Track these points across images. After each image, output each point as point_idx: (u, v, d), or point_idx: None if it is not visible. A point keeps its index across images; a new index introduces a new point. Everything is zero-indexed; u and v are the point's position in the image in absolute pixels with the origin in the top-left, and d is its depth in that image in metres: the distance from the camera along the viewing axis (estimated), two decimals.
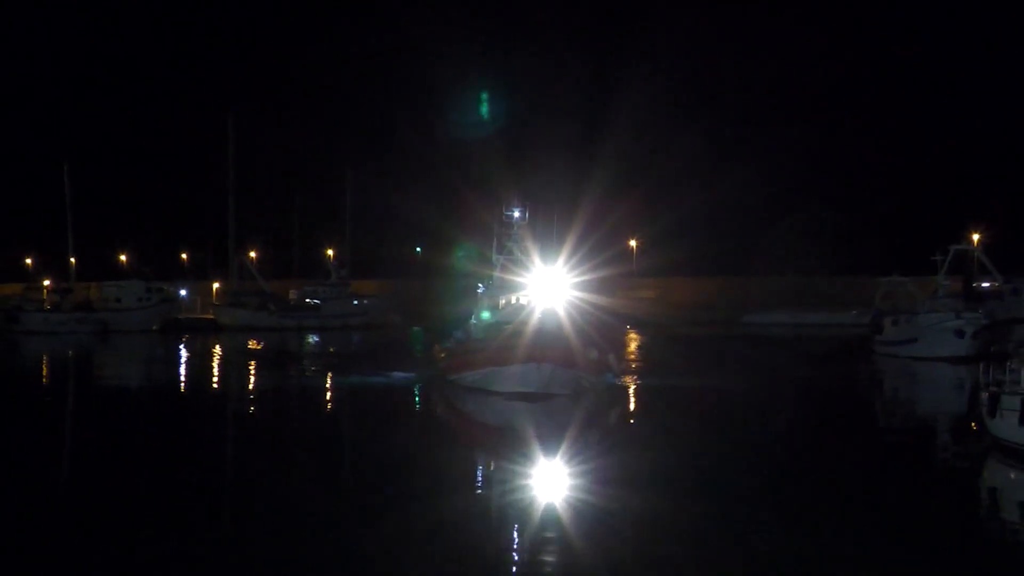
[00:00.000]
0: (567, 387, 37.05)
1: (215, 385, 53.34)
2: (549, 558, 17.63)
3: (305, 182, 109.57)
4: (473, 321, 44.77)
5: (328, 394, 45.99)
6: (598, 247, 47.61)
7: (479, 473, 26.55)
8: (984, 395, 27.63)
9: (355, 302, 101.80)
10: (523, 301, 42.42)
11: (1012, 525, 20.92)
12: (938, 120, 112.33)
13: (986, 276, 69.16)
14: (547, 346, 37.17)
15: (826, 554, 17.07)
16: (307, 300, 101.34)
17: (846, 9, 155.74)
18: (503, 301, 44.26)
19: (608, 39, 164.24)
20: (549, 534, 19.12)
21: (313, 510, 20.95)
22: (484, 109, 77.10)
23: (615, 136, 76.34)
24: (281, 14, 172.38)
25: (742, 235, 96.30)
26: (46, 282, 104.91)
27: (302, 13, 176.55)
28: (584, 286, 44.08)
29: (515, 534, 19.16)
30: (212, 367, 61.64)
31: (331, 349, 71.89)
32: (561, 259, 42.50)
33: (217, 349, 71.75)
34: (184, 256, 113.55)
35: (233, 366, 60.49)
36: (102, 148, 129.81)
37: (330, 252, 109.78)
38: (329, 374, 52.17)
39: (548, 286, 41.07)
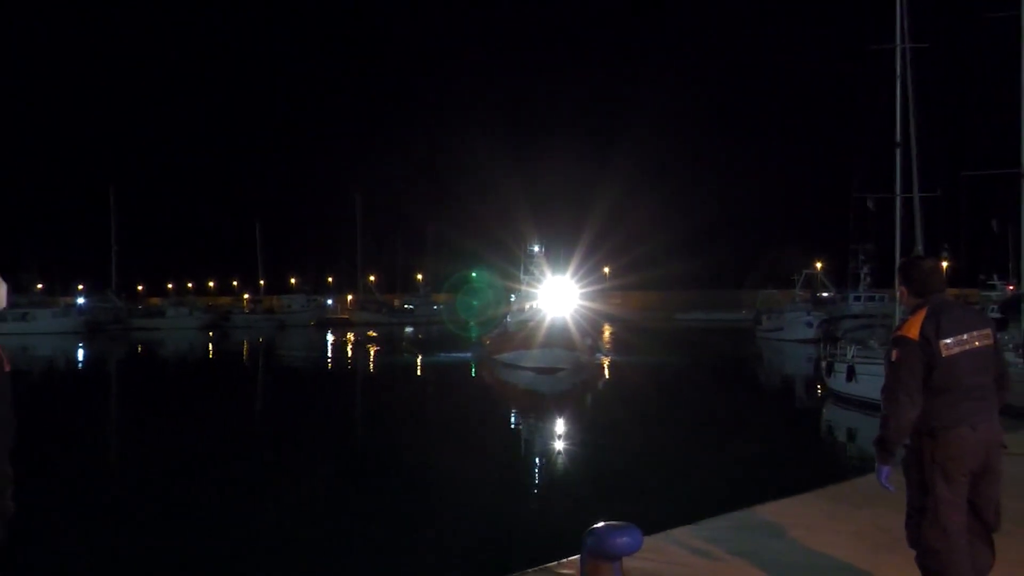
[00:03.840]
0: (570, 363, 36.46)
1: (350, 356, 53.88)
2: (560, 461, 18.08)
3: (404, 229, 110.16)
4: (508, 320, 44.78)
5: (419, 363, 46.19)
6: (589, 271, 47.62)
7: (512, 415, 26.80)
8: (824, 363, 27.70)
9: (435, 307, 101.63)
10: (540, 306, 42.17)
11: (840, 442, 21.37)
12: (798, 181, 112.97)
13: (824, 289, 69.38)
14: (556, 336, 36.93)
15: (724, 455, 17.22)
16: (405, 306, 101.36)
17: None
18: (527, 306, 44.09)
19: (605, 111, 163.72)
20: (557, 447, 19.56)
21: (410, 432, 21.55)
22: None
23: (602, 197, 75.53)
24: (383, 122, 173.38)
25: (671, 264, 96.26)
26: (245, 296, 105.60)
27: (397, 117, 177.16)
28: (581, 295, 44.09)
29: (534, 450, 19.61)
30: (348, 346, 62.08)
31: (420, 336, 72.13)
32: (566, 277, 42.49)
33: (351, 336, 72.21)
34: (329, 279, 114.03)
35: (362, 346, 60.84)
36: (281, 210, 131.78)
37: (419, 276, 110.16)
38: (419, 353, 52.38)
39: (558, 295, 40.68)
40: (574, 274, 43.27)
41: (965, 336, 4.40)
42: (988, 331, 4.52)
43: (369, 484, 15.79)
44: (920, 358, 4.36)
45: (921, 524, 4.43)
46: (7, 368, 3.39)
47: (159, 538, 12.11)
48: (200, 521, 13.03)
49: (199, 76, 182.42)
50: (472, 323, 66.90)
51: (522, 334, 39.01)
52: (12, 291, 3.51)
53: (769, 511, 7.21)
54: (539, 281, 43.29)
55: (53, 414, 24.33)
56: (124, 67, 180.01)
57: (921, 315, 4.46)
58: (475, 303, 66.33)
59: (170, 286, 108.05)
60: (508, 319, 44.48)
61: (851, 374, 24.42)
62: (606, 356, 43.92)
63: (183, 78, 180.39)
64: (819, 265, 71.75)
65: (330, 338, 71.00)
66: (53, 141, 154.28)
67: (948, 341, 4.36)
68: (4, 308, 3.60)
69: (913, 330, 4.42)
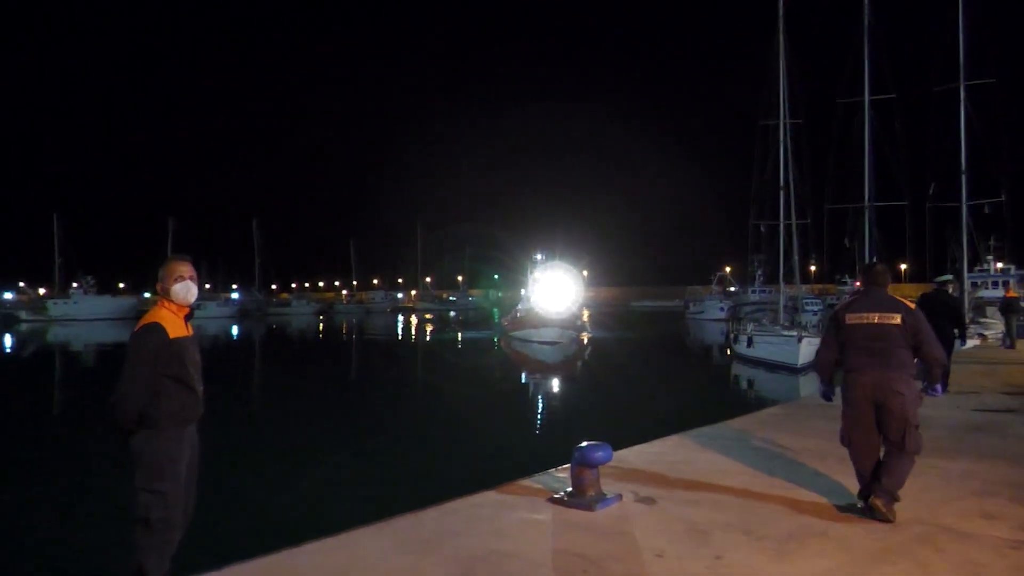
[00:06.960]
0: (567, 338, 35.10)
1: (414, 330, 53.68)
2: (556, 400, 17.97)
3: (450, 245, 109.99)
4: (520, 307, 43.96)
5: (458, 337, 45.78)
6: (577, 272, 46.89)
7: (523, 374, 26.39)
8: (731, 335, 27.37)
9: (470, 299, 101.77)
10: (543, 298, 40.65)
11: (743, 388, 21.00)
12: (715, 209, 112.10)
13: (731, 284, 68.93)
14: (555, 318, 35.87)
15: (665, 395, 16.93)
16: (450, 298, 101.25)
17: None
18: (533, 298, 43.17)
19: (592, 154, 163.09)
20: (554, 392, 19.45)
21: (450, 381, 20.88)
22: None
23: (584, 221, 75.05)
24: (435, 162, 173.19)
25: (627, 266, 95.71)
26: (343, 292, 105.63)
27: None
28: (585, 289, 43.05)
29: (538, 393, 19.48)
30: (413, 324, 61.97)
31: (460, 319, 71.75)
32: (564, 277, 41.57)
33: (414, 318, 72.17)
34: (400, 279, 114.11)
35: (421, 324, 60.70)
36: (368, 232, 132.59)
37: (460, 277, 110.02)
38: (459, 330, 52.01)
39: (558, 290, 38.51)
40: (568, 272, 42.26)
41: (864, 314, 4.68)
42: (893, 315, 4.56)
43: (416, 411, 15.88)
44: (834, 323, 4.81)
45: (842, 426, 4.78)
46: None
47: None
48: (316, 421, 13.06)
49: (311, 140, 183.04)
50: (495, 310, 66.76)
51: (530, 317, 37.96)
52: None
53: (697, 434, 7.31)
54: (541, 280, 42.40)
55: (226, 369, 24.44)
56: (259, 133, 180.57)
57: (849, 299, 4.91)
58: (497, 296, 65.93)
59: (294, 285, 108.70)
60: (520, 307, 43.87)
61: (750, 342, 24.22)
62: (588, 333, 43.49)
63: (301, 141, 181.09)
64: (728, 268, 71.56)
65: (400, 320, 70.98)
66: (216, 190, 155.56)
67: (849, 315, 4.72)
68: (194, 301, 3.75)
69: (839, 307, 4.90)
